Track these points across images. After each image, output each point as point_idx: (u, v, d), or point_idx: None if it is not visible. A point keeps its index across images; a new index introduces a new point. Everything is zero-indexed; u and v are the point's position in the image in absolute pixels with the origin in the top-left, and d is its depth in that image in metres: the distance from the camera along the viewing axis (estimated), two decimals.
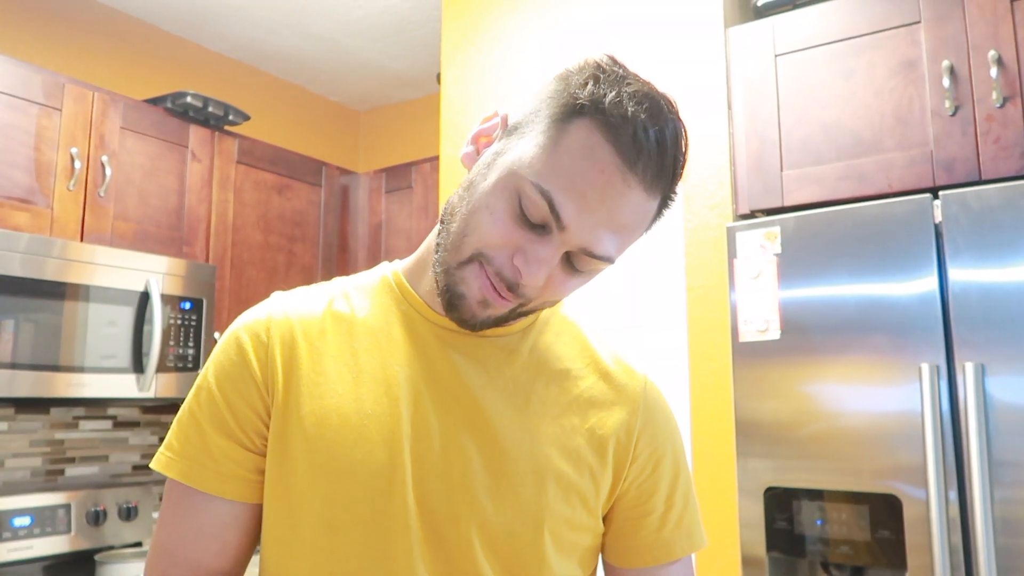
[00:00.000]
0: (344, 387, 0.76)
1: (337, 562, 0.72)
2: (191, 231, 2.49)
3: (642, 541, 0.81)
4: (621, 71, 0.70)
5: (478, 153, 0.77)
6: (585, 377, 0.82)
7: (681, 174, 0.71)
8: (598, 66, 0.70)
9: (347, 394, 0.75)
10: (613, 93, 0.67)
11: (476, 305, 0.72)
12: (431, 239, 0.81)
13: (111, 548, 2.34)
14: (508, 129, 0.74)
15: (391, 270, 0.84)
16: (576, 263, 0.71)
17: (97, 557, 2.20)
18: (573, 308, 0.89)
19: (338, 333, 0.79)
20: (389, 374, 0.76)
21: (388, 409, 0.75)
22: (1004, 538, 1.37)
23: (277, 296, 0.84)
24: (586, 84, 0.69)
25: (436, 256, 0.74)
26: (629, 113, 0.66)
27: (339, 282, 0.85)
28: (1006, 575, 1.36)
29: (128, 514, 2.40)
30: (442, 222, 0.75)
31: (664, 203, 0.72)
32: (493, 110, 0.77)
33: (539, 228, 0.69)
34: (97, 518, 2.32)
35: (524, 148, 0.70)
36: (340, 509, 0.72)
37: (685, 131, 0.70)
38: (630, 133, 0.66)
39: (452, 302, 0.72)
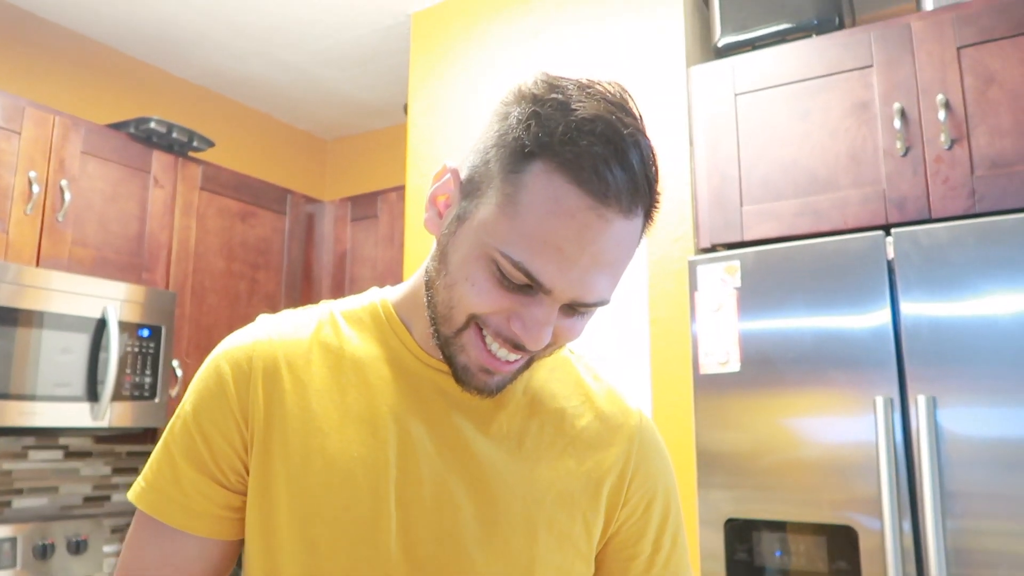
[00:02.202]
0: (329, 426, 0.72)
1: None
2: (152, 257, 2.45)
3: None
4: (560, 96, 0.64)
5: (440, 216, 0.72)
6: (580, 416, 0.79)
7: (657, 178, 0.66)
8: (535, 97, 0.64)
9: (332, 434, 0.72)
10: (560, 128, 0.62)
11: (480, 373, 0.69)
12: (421, 282, 0.76)
13: None
14: (464, 188, 0.69)
15: (381, 299, 0.80)
16: (575, 307, 0.67)
17: None
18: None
19: (324, 365, 0.75)
20: (377, 414, 0.73)
21: (375, 452, 0.71)
22: (956, 568, 1.40)
23: (263, 320, 0.80)
24: (528, 124, 0.63)
25: (432, 329, 0.71)
26: (583, 146, 0.61)
27: (327, 306, 0.81)
28: None
29: (78, 548, 2.32)
30: (427, 295, 0.72)
31: (648, 215, 0.67)
32: (441, 165, 0.72)
33: (527, 288, 0.65)
34: (45, 552, 2.24)
35: (485, 211, 0.65)
36: (322, 557, 0.69)
37: (646, 137, 0.65)
38: (591, 168, 0.61)
39: (459, 375, 0.70)
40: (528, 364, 0.72)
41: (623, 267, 0.67)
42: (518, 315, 0.65)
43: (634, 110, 0.66)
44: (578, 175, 0.61)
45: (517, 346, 0.67)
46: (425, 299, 0.72)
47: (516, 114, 0.65)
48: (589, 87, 0.65)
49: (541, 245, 0.62)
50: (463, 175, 0.70)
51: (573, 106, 0.63)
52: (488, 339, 0.68)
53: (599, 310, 0.70)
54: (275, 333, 0.77)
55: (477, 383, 0.70)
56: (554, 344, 0.70)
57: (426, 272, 0.73)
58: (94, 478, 2.58)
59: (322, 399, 0.73)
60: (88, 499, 2.55)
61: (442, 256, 0.70)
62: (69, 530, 2.33)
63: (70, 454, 2.52)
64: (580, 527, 0.75)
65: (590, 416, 0.79)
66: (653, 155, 0.65)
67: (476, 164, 0.69)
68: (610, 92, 0.65)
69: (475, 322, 0.68)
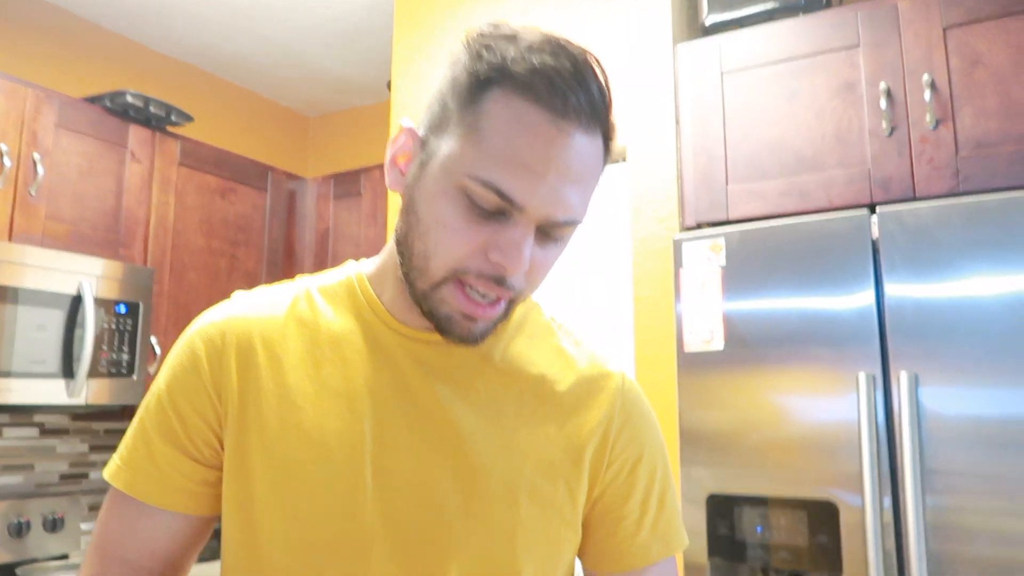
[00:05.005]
0: (305, 400, 0.72)
1: None
2: (128, 233, 2.41)
3: (617, 546, 0.78)
4: (508, 30, 0.67)
5: (402, 174, 0.72)
6: (560, 382, 0.78)
7: (611, 99, 0.67)
8: (482, 35, 0.67)
9: (308, 408, 0.72)
10: (512, 52, 0.64)
11: (464, 321, 0.69)
12: (392, 247, 0.76)
13: (35, 561, 2.24)
14: (423, 138, 0.70)
15: (356, 272, 0.80)
16: (549, 231, 0.67)
17: (19, 571, 2.10)
18: (547, 309, 0.85)
19: (300, 340, 0.75)
20: (352, 387, 0.73)
21: (350, 425, 0.71)
22: (935, 543, 1.42)
23: (238, 296, 0.80)
24: (479, 55, 0.65)
25: (408, 287, 0.71)
26: (536, 64, 0.63)
27: (304, 281, 0.81)
28: None
29: (54, 525, 2.30)
30: (400, 254, 0.71)
31: (608, 136, 0.68)
32: (398, 126, 0.73)
33: (499, 215, 0.65)
34: (20, 530, 2.21)
35: (449, 146, 0.66)
36: (302, 529, 0.69)
37: (595, 57, 0.67)
38: (546, 83, 0.63)
39: (441, 325, 0.69)
40: (508, 311, 0.71)
41: (590, 186, 0.68)
42: (494, 243, 0.65)
43: (577, 46, 0.68)
44: (535, 92, 0.63)
45: (500, 280, 0.67)
46: (398, 258, 0.72)
47: (466, 54, 0.67)
48: (533, 27, 0.68)
49: (509, 162, 0.63)
50: (421, 132, 0.71)
51: (521, 35, 0.66)
52: (468, 288, 0.67)
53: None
54: (250, 309, 0.77)
55: (461, 331, 0.69)
56: (532, 280, 0.70)
57: (396, 231, 0.73)
58: (70, 455, 2.55)
59: (297, 373, 0.73)
60: (64, 477, 2.52)
61: (410, 206, 0.70)
62: (45, 507, 2.31)
63: (46, 431, 2.49)
64: (563, 493, 0.74)
65: (570, 381, 0.78)
66: (605, 77, 0.67)
67: (434, 112, 0.70)
68: (551, 32, 0.68)
69: (456, 277, 0.67)
